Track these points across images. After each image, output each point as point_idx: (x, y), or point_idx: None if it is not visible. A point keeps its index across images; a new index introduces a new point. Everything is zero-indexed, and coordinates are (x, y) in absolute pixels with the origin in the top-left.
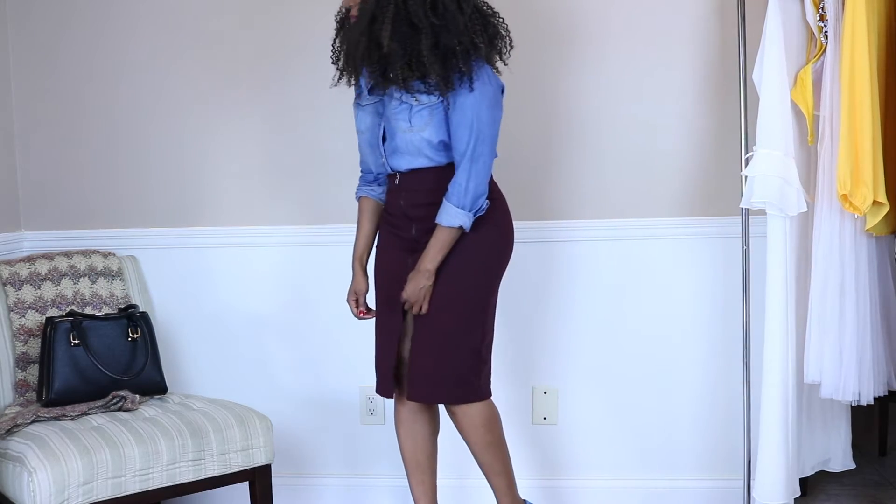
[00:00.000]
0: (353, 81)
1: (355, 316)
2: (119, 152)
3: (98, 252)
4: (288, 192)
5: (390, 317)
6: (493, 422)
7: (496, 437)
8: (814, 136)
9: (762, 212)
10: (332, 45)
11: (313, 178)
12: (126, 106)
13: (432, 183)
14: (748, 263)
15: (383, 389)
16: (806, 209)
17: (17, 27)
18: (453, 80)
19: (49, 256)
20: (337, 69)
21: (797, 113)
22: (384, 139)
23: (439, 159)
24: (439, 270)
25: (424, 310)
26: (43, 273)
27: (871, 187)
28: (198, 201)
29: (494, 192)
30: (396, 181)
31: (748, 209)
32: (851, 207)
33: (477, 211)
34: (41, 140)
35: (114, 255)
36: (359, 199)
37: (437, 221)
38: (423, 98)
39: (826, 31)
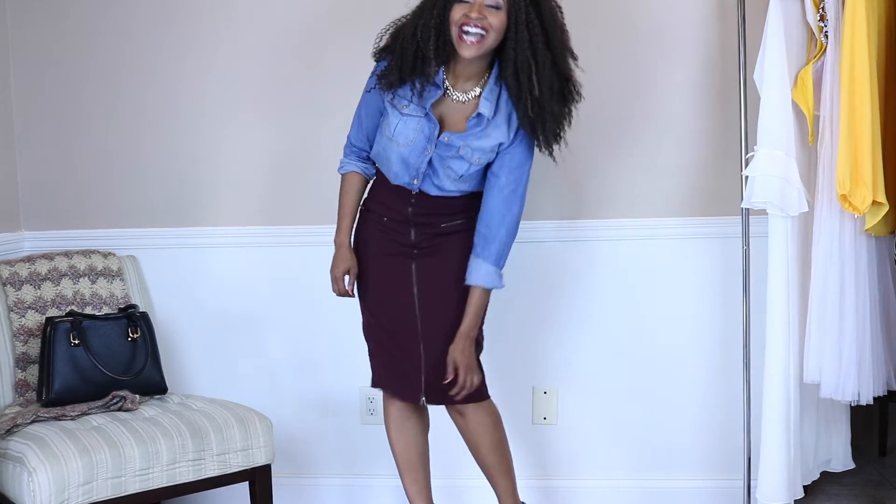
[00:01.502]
0: (419, 87)
1: (341, 293)
2: (119, 152)
3: (98, 252)
4: (288, 192)
5: (405, 323)
6: (500, 420)
7: (503, 436)
8: (814, 136)
9: (762, 212)
10: (405, 39)
11: (313, 177)
12: (126, 106)
13: (449, 203)
14: (748, 263)
15: (411, 395)
16: (807, 209)
17: (17, 27)
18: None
19: (49, 256)
20: (396, 69)
21: (798, 113)
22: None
23: (460, 195)
24: (450, 276)
25: (475, 382)
26: (43, 273)
27: (870, 187)
28: (198, 201)
29: None
30: (411, 193)
31: (748, 209)
32: (851, 207)
33: (503, 264)
34: (41, 140)
35: (114, 255)
36: (347, 172)
37: (476, 283)
38: (483, 159)
39: (826, 31)
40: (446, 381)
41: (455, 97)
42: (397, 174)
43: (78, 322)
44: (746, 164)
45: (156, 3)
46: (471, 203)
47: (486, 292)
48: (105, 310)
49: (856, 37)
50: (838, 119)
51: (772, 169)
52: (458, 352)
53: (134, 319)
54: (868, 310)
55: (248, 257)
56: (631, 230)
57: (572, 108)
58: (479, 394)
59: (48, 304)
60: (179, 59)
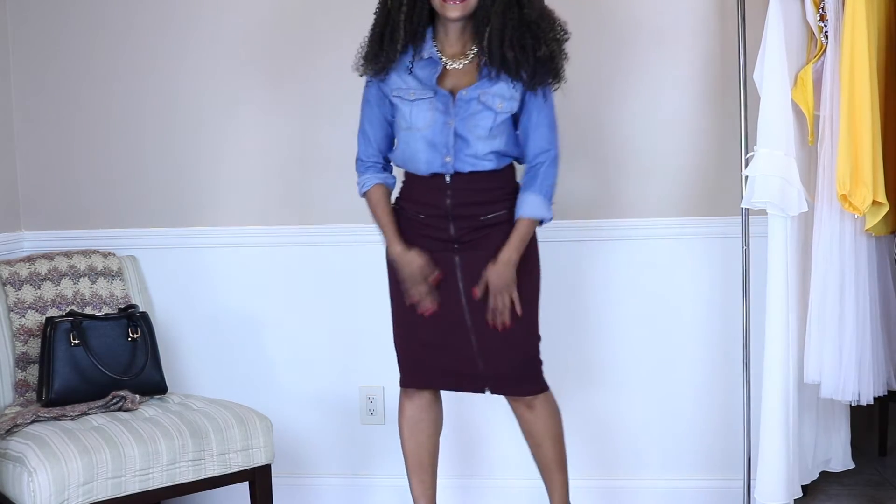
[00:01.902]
0: (410, 58)
1: (432, 303)
2: (119, 152)
3: (98, 252)
4: (288, 193)
5: (453, 318)
6: (560, 412)
7: (562, 428)
8: (814, 136)
9: (762, 212)
10: (383, 31)
11: (313, 178)
12: (126, 106)
13: (486, 183)
14: (748, 263)
15: (474, 386)
16: (807, 209)
17: (17, 27)
18: (545, 77)
19: (49, 256)
20: (383, 54)
21: (798, 113)
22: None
23: (497, 164)
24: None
25: (509, 302)
26: (43, 273)
27: (870, 187)
28: (198, 201)
29: None
30: (446, 181)
31: (748, 209)
32: (851, 207)
33: (551, 203)
34: (41, 140)
35: (114, 255)
36: (370, 188)
37: (521, 214)
38: (505, 105)
39: (826, 31)
40: (477, 297)
41: (454, 66)
42: (429, 161)
43: (78, 322)
44: (746, 164)
45: (155, 4)
46: (508, 186)
47: (532, 224)
48: (105, 310)
49: (856, 37)
50: (838, 119)
51: (772, 169)
52: (493, 274)
53: (134, 319)
54: (868, 310)
55: (248, 257)
56: (631, 230)
57: (550, 48)
58: (544, 385)
59: (48, 304)
60: (179, 59)
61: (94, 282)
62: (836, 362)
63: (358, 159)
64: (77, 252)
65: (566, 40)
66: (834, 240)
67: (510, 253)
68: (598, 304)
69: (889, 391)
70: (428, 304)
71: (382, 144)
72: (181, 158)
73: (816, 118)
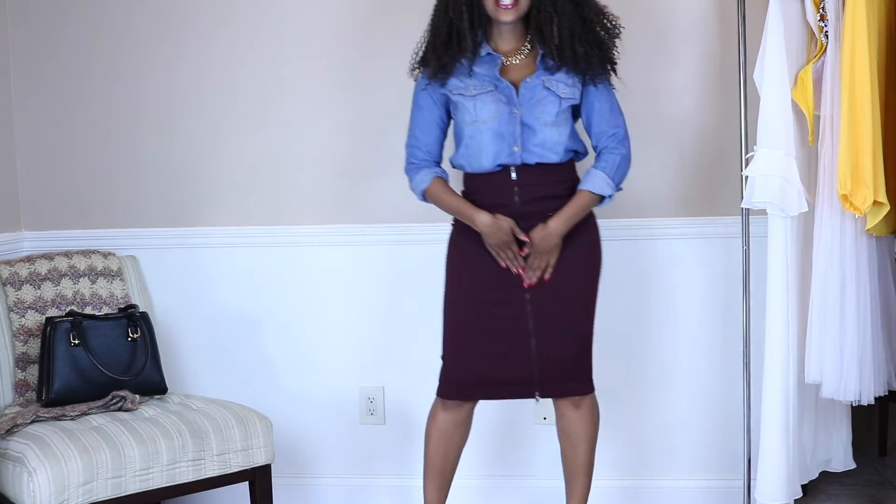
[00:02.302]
0: (467, 63)
1: (522, 262)
2: (119, 152)
3: (98, 252)
4: (288, 193)
5: (515, 318)
6: (599, 415)
7: (598, 433)
8: (814, 136)
9: (762, 212)
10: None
11: (313, 178)
12: (126, 106)
13: (552, 177)
14: (748, 263)
15: (523, 392)
16: (807, 209)
17: (17, 27)
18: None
19: (49, 256)
20: (433, 53)
21: (798, 113)
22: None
23: (562, 157)
24: (576, 263)
25: (549, 271)
26: (43, 273)
27: (871, 187)
28: (198, 201)
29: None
30: (512, 176)
31: (748, 209)
32: (852, 207)
33: (617, 187)
34: (41, 140)
35: (113, 255)
36: (430, 182)
37: (583, 187)
38: (569, 91)
39: (826, 31)
40: (523, 255)
41: (511, 61)
42: (496, 152)
43: (78, 322)
44: (746, 164)
45: (155, 4)
46: (570, 181)
47: (590, 199)
48: (105, 310)
49: (856, 37)
50: (839, 119)
51: (772, 169)
52: (538, 237)
53: (134, 319)
54: (869, 310)
55: (248, 257)
56: (631, 230)
57: (607, 43)
58: (586, 384)
59: (48, 304)
60: (179, 59)
61: (94, 282)
62: (836, 362)
63: (409, 163)
64: (77, 252)
65: (619, 34)
66: (834, 240)
67: (560, 222)
68: (598, 303)
69: (889, 391)
70: (517, 264)
71: (433, 148)
72: (181, 158)
73: (816, 118)
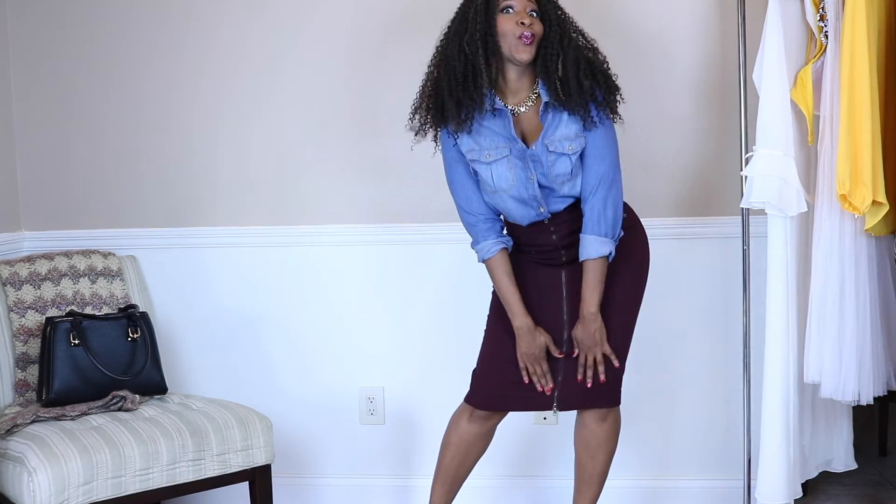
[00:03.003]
0: (486, 107)
1: (547, 382)
2: (119, 152)
3: (98, 252)
4: (288, 192)
5: (550, 330)
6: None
7: (617, 445)
8: (814, 136)
9: (762, 212)
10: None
11: (313, 177)
12: (126, 106)
13: (575, 213)
14: (748, 263)
15: (542, 404)
16: (806, 209)
17: (16, 27)
18: (598, 111)
19: (49, 256)
20: (468, 101)
21: (797, 113)
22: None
23: (577, 195)
24: (616, 276)
25: (604, 352)
26: (43, 273)
27: (870, 187)
28: (198, 201)
29: (634, 218)
30: (545, 223)
31: (748, 209)
32: (851, 207)
33: (616, 237)
34: (41, 140)
35: (113, 255)
36: (493, 255)
37: (584, 258)
38: (574, 145)
39: (826, 31)
40: (573, 355)
41: (519, 111)
42: (524, 215)
43: (78, 322)
44: (746, 164)
45: (154, 4)
46: None
47: (601, 264)
48: (105, 310)
49: (856, 37)
50: (838, 119)
51: (770, 169)
52: (580, 333)
53: (134, 319)
54: (868, 310)
55: (248, 257)
56: None
57: (611, 80)
58: (616, 397)
59: (48, 304)
60: (178, 59)
61: (94, 282)
62: (835, 362)
63: (465, 217)
64: (77, 252)
65: (619, 89)
66: (834, 240)
67: (590, 305)
68: None
69: (889, 391)
70: (546, 383)
71: (482, 203)
72: (180, 158)
73: (816, 118)
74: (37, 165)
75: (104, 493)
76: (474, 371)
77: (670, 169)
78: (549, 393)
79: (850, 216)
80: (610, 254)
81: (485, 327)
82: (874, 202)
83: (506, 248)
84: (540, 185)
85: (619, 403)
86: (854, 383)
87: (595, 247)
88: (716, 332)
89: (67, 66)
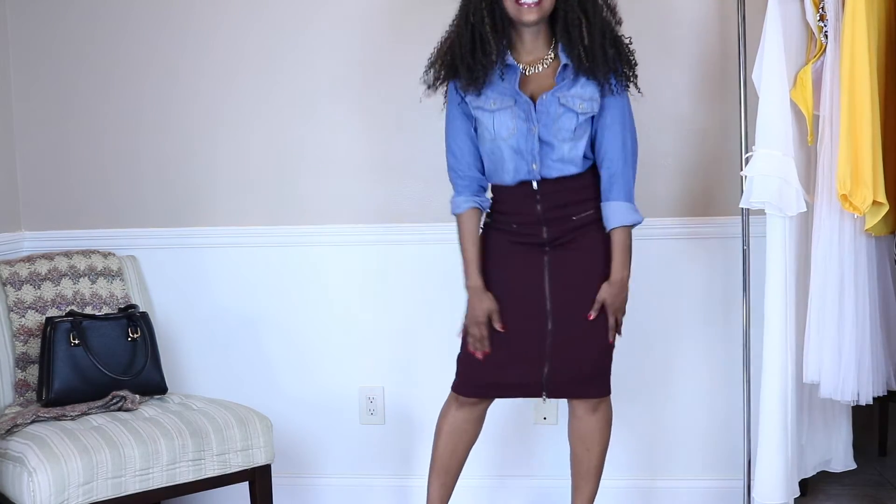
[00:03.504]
0: (498, 73)
1: (482, 340)
2: (119, 152)
3: (98, 252)
4: (288, 192)
5: (532, 316)
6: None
7: (610, 436)
8: (813, 136)
9: (762, 212)
10: (465, 41)
11: (313, 177)
12: (125, 106)
13: (573, 184)
14: (748, 263)
15: (531, 391)
16: (805, 209)
17: (16, 27)
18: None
19: (49, 256)
20: (478, 67)
21: (797, 113)
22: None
23: (582, 168)
24: (584, 268)
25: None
26: (43, 273)
27: (870, 187)
28: (198, 201)
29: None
30: (533, 188)
31: (748, 209)
32: (851, 207)
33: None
34: (41, 140)
35: (113, 255)
36: (464, 211)
37: (615, 225)
38: (586, 106)
39: (826, 31)
40: (590, 318)
41: (532, 71)
42: (516, 168)
43: (78, 322)
44: (745, 164)
45: (154, 4)
46: (593, 186)
47: (628, 232)
48: (105, 310)
49: (856, 37)
50: (838, 119)
51: (770, 169)
52: (609, 295)
53: (134, 319)
54: (868, 310)
55: (248, 257)
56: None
57: (630, 50)
58: (605, 387)
59: (48, 304)
60: (178, 59)
61: (94, 282)
62: (835, 362)
63: (452, 173)
64: (77, 252)
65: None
66: (833, 240)
67: (621, 271)
68: None
69: (889, 391)
70: (481, 348)
71: (472, 162)
72: (180, 158)
73: (816, 118)
74: (37, 165)
75: (104, 493)
76: (459, 357)
77: (670, 169)
78: (480, 358)
79: (850, 216)
80: (636, 223)
81: (464, 318)
82: (874, 202)
83: (478, 209)
84: (540, 140)
85: (609, 393)
86: (853, 383)
87: (622, 214)
88: (716, 332)
89: (67, 66)
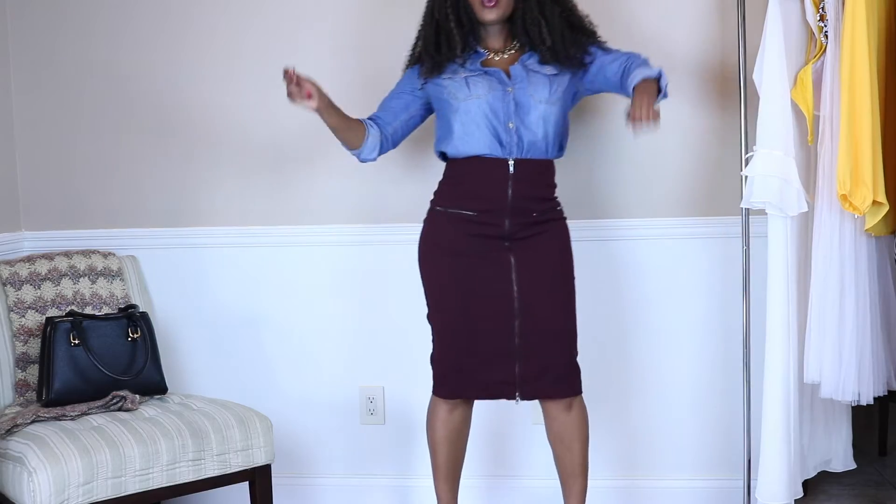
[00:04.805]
0: (460, 61)
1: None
2: (119, 152)
3: (98, 252)
4: (288, 193)
5: (501, 318)
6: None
7: (589, 432)
8: (814, 136)
9: (762, 212)
10: (437, 20)
11: (313, 178)
12: (125, 106)
13: (544, 176)
14: (748, 263)
15: (505, 393)
16: (806, 209)
17: (17, 27)
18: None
19: (49, 256)
20: (442, 58)
21: (797, 113)
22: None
23: (550, 154)
24: (550, 268)
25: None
26: (43, 273)
27: (870, 187)
28: (198, 201)
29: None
30: (510, 169)
31: (748, 209)
32: (851, 207)
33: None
34: (41, 140)
35: (114, 255)
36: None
37: (645, 76)
38: (554, 70)
39: (826, 31)
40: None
41: (497, 57)
42: (492, 125)
43: (78, 322)
44: (746, 164)
45: (154, 4)
46: (554, 185)
47: (654, 86)
48: (105, 310)
49: (856, 37)
50: (838, 119)
51: (771, 169)
52: (643, 108)
53: (134, 319)
54: (868, 310)
55: (248, 257)
56: (631, 230)
57: (593, 40)
58: (577, 385)
59: (48, 304)
60: (178, 59)
61: (94, 282)
62: (835, 362)
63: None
64: (77, 252)
65: (596, 36)
66: (834, 240)
67: (650, 88)
68: (598, 303)
69: (889, 391)
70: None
71: (390, 115)
72: (180, 158)
73: (816, 118)
74: (37, 165)
75: (104, 494)
76: (432, 358)
77: (670, 169)
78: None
79: (850, 216)
80: (660, 84)
81: (430, 322)
82: (874, 202)
83: (362, 122)
84: (516, 101)
85: (581, 392)
86: (853, 383)
87: (645, 71)
88: (716, 332)
89: (67, 66)
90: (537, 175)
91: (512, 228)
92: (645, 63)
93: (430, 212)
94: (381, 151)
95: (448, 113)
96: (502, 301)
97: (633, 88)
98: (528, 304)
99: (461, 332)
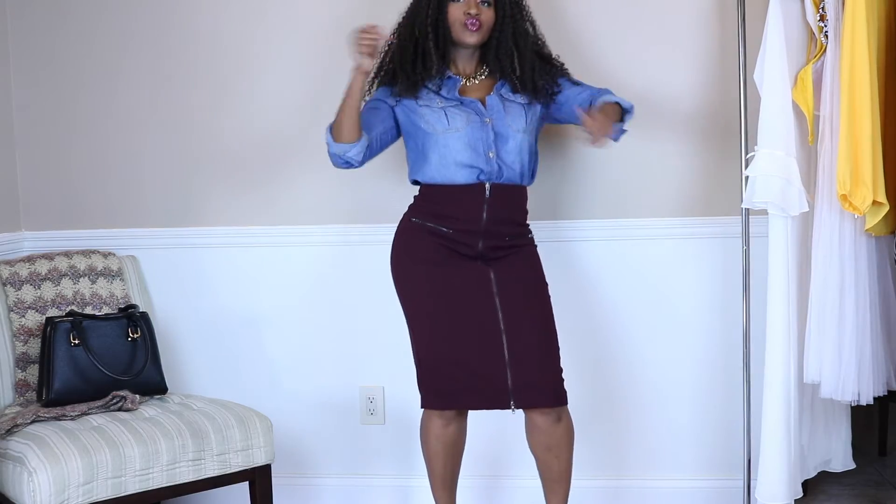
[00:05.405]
0: (436, 84)
1: (367, 44)
2: (119, 152)
3: (98, 252)
4: (287, 192)
5: (486, 329)
6: None
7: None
8: (814, 136)
9: (763, 212)
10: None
11: (313, 178)
12: (126, 105)
13: (517, 202)
14: (748, 263)
15: (499, 402)
16: (808, 209)
17: (17, 27)
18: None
19: (49, 256)
20: (417, 77)
21: (798, 113)
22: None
23: (525, 181)
24: (528, 283)
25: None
26: (43, 273)
27: (870, 187)
28: (198, 201)
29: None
30: (486, 193)
31: (748, 209)
32: (851, 207)
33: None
34: (41, 140)
35: (114, 255)
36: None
37: (605, 99)
38: (526, 99)
39: (826, 31)
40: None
41: (469, 83)
42: (472, 157)
43: (78, 322)
44: (747, 164)
45: (154, 4)
46: (526, 212)
47: (617, 109)
48: (105, 310)
49: (856, 37)
50: (838, 119)
51: (773, 169)
52: (599, 126)
53: (134, 319)
54: (868, 310)
55: (248, 257)
56: (631, 230)
57: (561, 72)
58: (565, 396)
59: (48, 304)
60: (178, 59)
61: (94, 282)
62: (835, 362)
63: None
64: (77, 252)
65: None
66: (834, 240)
67: (608, 107)
68: (598, 303)
69: (889, 391)
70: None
71: (367, 128)
72: (180, 158)
73: (816, 118)
74: (37, 165)
75: (104, 494)
76: (419, 370)
77: (671, 169)
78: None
79: (850, 216)
80: (625, 113)
81: (411, 332)
82: (874, 202)
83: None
84: (494, 131)
85: (567, 403)
86: (853, 383)
87: (612, 97)
88: (716, 332)
89: (67, 67)
90: (512, 200)
91: (484, 248)
92: (615, 95)
93: (405, 221)
94: (365, 158)
95: (424, 142)
96: (486, 312)
97: (599, 104)
98: (512, 316)
99: (449, 340)
